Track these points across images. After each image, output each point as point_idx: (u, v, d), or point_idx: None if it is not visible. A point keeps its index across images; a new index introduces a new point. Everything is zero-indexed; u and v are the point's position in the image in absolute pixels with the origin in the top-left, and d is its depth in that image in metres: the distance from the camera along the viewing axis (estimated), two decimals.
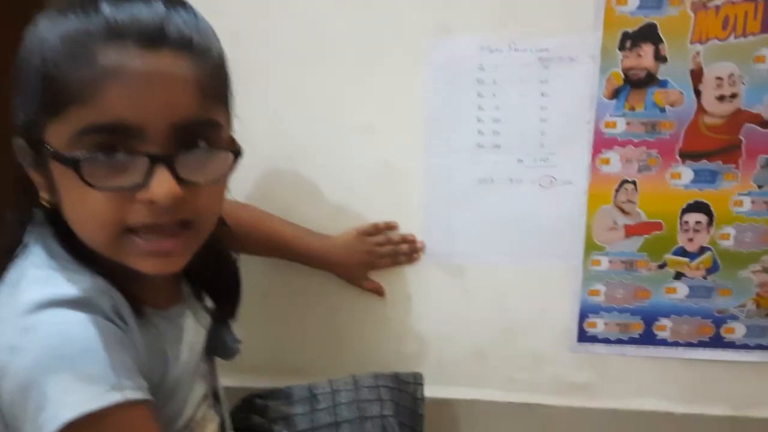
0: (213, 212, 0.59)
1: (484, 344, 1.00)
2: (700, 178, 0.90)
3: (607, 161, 0.91)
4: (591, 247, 0.94)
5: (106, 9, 0.51)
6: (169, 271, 0.58)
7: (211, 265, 0.72)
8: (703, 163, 0.90)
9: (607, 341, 0.97)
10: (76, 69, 0.50)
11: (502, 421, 1.01)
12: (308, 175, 0.97)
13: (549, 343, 0.99)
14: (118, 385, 0.50)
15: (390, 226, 0.97)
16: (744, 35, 0.86)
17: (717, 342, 0.96)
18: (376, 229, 0.97)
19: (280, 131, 0.96)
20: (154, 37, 0.51)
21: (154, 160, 0.52)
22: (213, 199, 0.58)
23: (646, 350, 0.97)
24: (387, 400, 0.84)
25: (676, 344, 0.96)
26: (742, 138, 0.89)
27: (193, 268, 0.70)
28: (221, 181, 0.58)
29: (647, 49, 0.88)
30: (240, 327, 0.78)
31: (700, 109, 0.88)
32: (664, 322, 0.96)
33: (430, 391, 0.90)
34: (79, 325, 0.51)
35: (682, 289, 0.94)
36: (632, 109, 0.90)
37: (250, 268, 0.93)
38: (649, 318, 0.96)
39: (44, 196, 0.56)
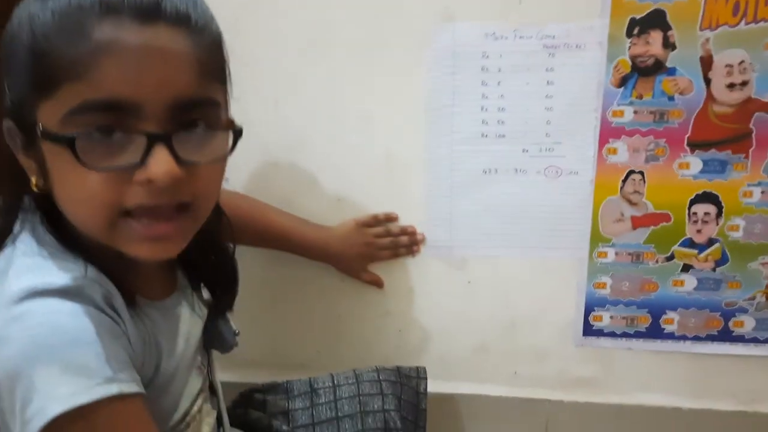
0: (211, 195, 0.57)
1: (488, 338, 0.98)
2: (709, 168, 0.88)
3: (614, 151, 0.89)
4: (597, 238, 0.93)
5: None
6: (165, 257, 0.56)
7: (207, 255, 0.70)
8: (713, 153, 0.88)
9: (612, 335, 0.96)
10: (69, 44, 0.48)
11: (506, 417, 1.00)
12: (308, 165, 0.95)
13: (553, 337, 0.97)
14: (109, 377, 0.48)
15: (390, 218, 0.95)
16: (755, 21, 0.83)
17: (725, 336, 0.94)
18: (376, 221, 0.95)
19: (280, 120, 0.94)
20: (150, 12, 0.49)
21: (153, 139, 0.50)
22: (212, 181, 0.56)
23: (653, 344, 0.95)
24: (389, 395, 0.82)
25: (683, 338, 0.95)
26: (752, 127, 0.87)
27: (190, 258, 0.69)
28: (220, 163, 0.56)
29: (655, 36, 0.86)
30: (239, 320, 0.76)
31: (710, 98, 0.86)
32: (672, 315, 0.94)
33: (433, 385, 0.88)
34: (68, 315, 0.49)
35: (690, 281, 0.93)
36: (640, 97, 0.87)
37: (250, 261, 0.92)
38: (656, 311, 0.94)
39: (35, 181, 0.54)
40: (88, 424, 0.48)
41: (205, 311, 0.71)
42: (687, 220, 0.90)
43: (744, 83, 0.85)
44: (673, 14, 0.84)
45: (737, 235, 0.90)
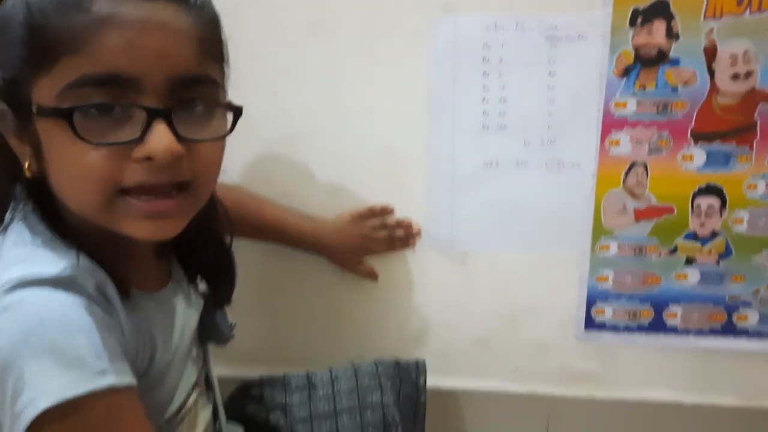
0: (211, 175, 0.56)
1: (488, 332, 0.97)
2: (712, 160, 0.87)
3: (616, 143, 0.88)
4: (599, 231, 0.91)
5: None
6: (164, 236, 0.54)
7: (204, 246, 0.69)
8: (716, 145, 0.87)
9: (615, 329, 0.95)
10: (67, 18, 0.47)
11: (506, 412, 0.99)
12: (307, 157, 0.94)
13: (555, 331, 0.96)
14: (101, 369, 0.47)
15: (385, 210, 0.94)
16: (760, 10, 0.82)
17: (729, 330, 0.93)
18: (372, 213, 0.94)
19: (279, 112, 0.93)
20: None
21: (152, 114, 0.49)
22: (211, 161, 0.55)
23: (656, 338, 0.94)
24: (388, 388, 0.81)
25: (686, 332, 0.93)
26: (756, 118, 0.85)
27: (186, 249, 0.68)
28: (219, 143, 0.56)
29: (659, 26, 0.84)
30: (236, 313, 0.76)
31: (714, 89, 0.85)
32: (675, 309, 0.93)
33: (432, 380, 0.88)
34: (60, 305, 0.48)
35: (693, 275, 0.92)
36: (643, 88, 0.86)
37: (247, 253, 0.92)
38: (659, 305, 0.93)
39: (28, 165, 0.53)
40: (80, 417, 0.47)
41: (201, 303, 0.71)
42: (690, 213, 0.89)
43: (748, 74, 0.84)
44: (677, 4, 0.83)
45: (741, 228, 0.89)
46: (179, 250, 0.69)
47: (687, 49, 0.84)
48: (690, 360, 0.95)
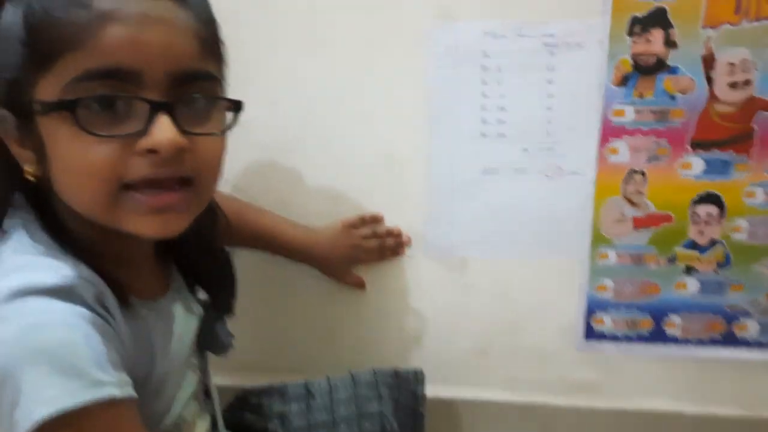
0: (213, 172, 0.56)
1: (487, 341, 0.97)
2: (711, 168, 0.87)
3: (615, 151, 0.88)
4: (598, 240, 0.91)
5: None
6: (169, 233, 0.54)
7: (203, 252, 0.69)
8: (715, 153, 0.87)
9: (614, 339, 0.94)
10: (69, 14, 0.48)
11: (505, 422, 0.98)
12: (306, 164, 0.94)
13: (554, 341, 0.95)
14: (99, 380, 0.47)
15: (375, 219, 0.94)
16: (757, 19, 0.83)
17: (729, 340, 0.92)
18: (362, 222, 0.93)
19: (277, 119, 0.92)
20: None
21: (155, 107, 0.49)
22: (213, 156, 0.55)
23: (656, 348, 0.94)
24: (386, 398, 0.80)
25: (686, 342, 0.93)
26: (755, 126, 0.86)
27: (185, 256, 0.68)
28: (221, 138, 0.56)
29: (657, 35, 0.85)
30: (233, 322, 0.75)
31: (712, 97, 0.85)
32: (674, 318, 0.93)
33: (431, 390, 0.87)
34: (58, 315, 0.47)
35: (692, 284, 0.91)
36: (641, 96, 0.86)
37: (244, 261, 0.90)
38: (659, 314, 0.93)
39: (29, 169, 0.53)
40: (78, 428, 0.46)
41: (200, 312, 0.70)
42: (689, 221, 0.89)
43: (746, 82, 0.84)
44: (675, 12, 0.84)
45: (740, 236, 0.89)
46: (178, 258, 0.68)
47: (685, 58, 0.85)
48: (690, 370, 0.94)
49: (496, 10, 0.87)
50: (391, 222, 0.95)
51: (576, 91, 0.88)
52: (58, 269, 0.50)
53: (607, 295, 0.93)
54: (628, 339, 0.94)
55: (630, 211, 0.90)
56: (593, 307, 0.94)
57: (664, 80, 0.86)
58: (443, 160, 0.92)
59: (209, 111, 0.54)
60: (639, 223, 0.90)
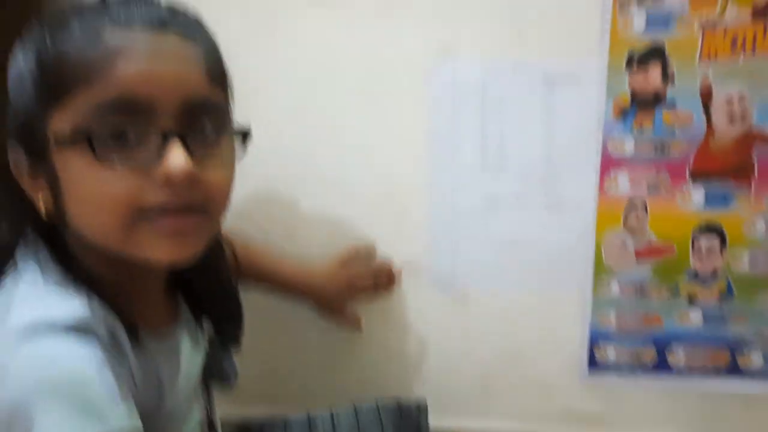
0: (224, 198, 0.57)
1: (490, 372, 0.97)
2: (711, 199, 0.88)
3: (615, 182, 0.89)
4: (601, 271, 0.92)
5: (112, 5, 0.52)
6: (183, 258, 0.55)
7: (210, 284, 0.70)
8: (715, 185, 0.88)
9: (618, 370, 0.94)
10: (83, 50, 0.50)
11: None
12: (309, 196, 0.95)
13: (558, 372, 0.95)
14: (112, 417, 0.47)
15: (369, 253, 0.94)
16: (754, 55, 0.84)
17: (733, 371, 0.92)
18: (356, 255, 0.94)
19: (281, 151, 0.94)
20: (159, 23, 0.52)
21: (167, 136, 0.51)
22: (223, 184, 0.56)
23: (660, 380, 0.93)
24: (389, 429, 0.80)
25: (690, 373, 0.93)
26: (754, 159, 0.86)
27: (193, 287, 0.69)
28: (231, 166, 0.57)
29: (654, 69, 0.86)
30: (235, 353, 0.75)
31: (710, 130, 0.86)
32: (678, 350, 0.92)
33: (434, 420, 0.87)
34: (71, 352, 0.48)
35: (695, 315, 0.91)
36: (640, 129, 0.88)
37: (246, 292, 0.91)
38: (662, 346, 0.93)
39: (44, 205, 0.54)
40: None
41: (206, 345, 0.70)
42: (691, 253, 0.89)
43: (744, 115, 0.85)
44: (672, 48, 0.85)
45: (743, 267, 0.89)
46: (186, 290, 0.69)
47: (683, 92, 0.86)
48: (695, 401, 0.93)
49: (495, 47, 0.89)
50: (392, 254, 0.95)
51: (575, 125, 0.89)
52: (71, 304, 0.51)
53: (611, 326, 0.93)
54: (631, 370, 0.94)
55: (632, 243, 0.90)
56: (597, 338, 0.94)
57: (663, 114, 0.87)
58: (444, 191, 0.93)
59: (218, 139, 0.56)
60: (641, 255, 0.91)
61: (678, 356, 0.92)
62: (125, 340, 0.54)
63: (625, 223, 0.90)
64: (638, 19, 0.86)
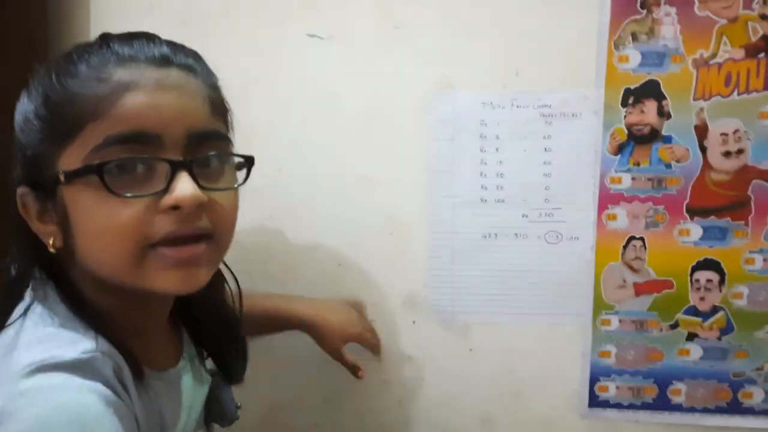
0: (230, 224, 0.58)
1: (491, 409, 0.95)
2: (709, 235, 0.88)
3: (613, 217, 0.90)
4: (600, 305, 0.91)
5: (115, 44, 0.54)
6: (193, 287, 0.55)
7: (213, 320, 0.70)
8: (712, 220, 0.88)
9: (619, 406, 0.93)
10: (91, 88, 0.51)
11: None
12: (309, 230, 0.95)
13: (559, 408, 0.94)
14: None
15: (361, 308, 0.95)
16: (747, 92, 0.86)
17: (735, 408, 0.91)
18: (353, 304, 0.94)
19: (282, 186, 0.94)
20: (162, 59, 0.54)
21: (175, 166, 0.52)
22: (229, 210, 0.57)
23: (661, 416, 0.92)
24: None
25: (691, 410, 0.91)
26: (750, 194, 0.87)
27: (196, 324, 0.68)
28: (235, 195, 0.59)
29: (650, 105, 0.87)
30: (237, 388, 0.74)
31: (707, 165, 0.87)
32: (679, 386, 0.91)
33: None
34: (75, 393, 0.48)
35: (695, 350, 0.91)
36: (637, 164, 0.88)
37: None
38: (663, 381, 0.92)
39: (53, 243, 0.54)
40: None
41: (209, 382, 0.69)
42: (690, 288, 0.89)
43: (740, 151, 0.87)
44: (667, 85, 0.87)
45: (741, 302, 0.89)
46: (189, 325, 0.69)
47: (679, 128, 0.87)
48: None
49: (493, 81, 0.90)
50: (392, 286, 0.95)
51: (573, 159, 0.90)
52: (78, 343, 0.51)
53: (611, 362, 0.92)
54: (632, 407, 0.93)
55: (631, 277, 0.90)
56: (597, 374, 0.93)
57: (659, 149, 0.88)
58: (443, 224, 0.93)
59: (222, 168, 0.57)
60: (640, 289, 0.90)
61: (679, 392, 0.91)
62: (129, 378, 0.54)
63: (623, 258, 0.90)
64: (633, 57, 0.87)
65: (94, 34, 0.59)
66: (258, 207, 0.93)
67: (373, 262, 0.94)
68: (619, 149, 0.89)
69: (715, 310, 0.89)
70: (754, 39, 0.85)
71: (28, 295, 0.56)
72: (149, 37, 0.56)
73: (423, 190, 0.92)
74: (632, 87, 0.87)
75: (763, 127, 0.86)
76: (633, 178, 0.89)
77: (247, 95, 0.90)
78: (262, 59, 0.94)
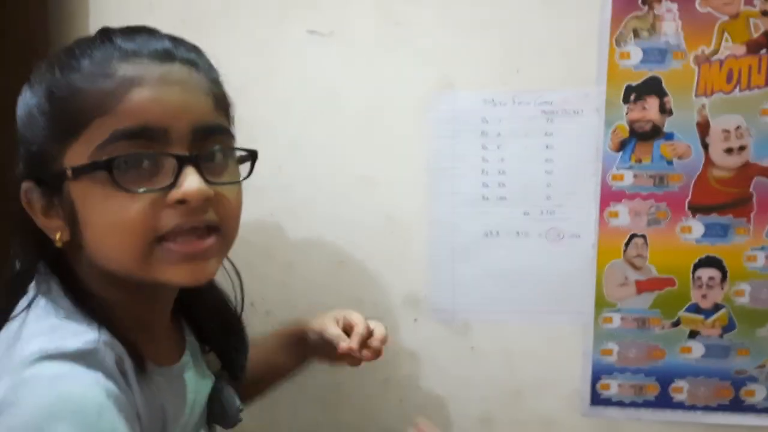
0: (235, 217, 0.59)
1: (492, 408, 0.95)
2: (711, 232, 0.88)
3: (615, 214, 0.89)
4: (602, 303, 0.91)
5: (118, 39, 0.54)
6: (202, 279, 0.56)
7: (215, 317, 0.70)
8: (714, 217, 0.88)
9: (621, 404, 0.92)
10: (95, 83, 0.52)
11: None
12: (310, 228, 0.95)
13: (560, 407, 0.94)
14: None
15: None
16: (749, 88, 0.85)
17: (737, 406, 0.90)
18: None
19: (283, 185, 0.94)
20: (165, 55, 0.54)
21: (182, 160, 0.53)
22: (235, 203, 0.58)
23: (663, 414, 0.92)
24: None
25: (693, 408, 0.91)
26: (752, 191, 0.87)
27: (198, 321, 0.70)
28: (239, 188, 0.59)
29: (652, 102, 0.87)
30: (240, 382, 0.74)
31: (708, 162, 0.87)
32: (681, 383, 0.91)
33: None
34: (76, 382, 0.48)
35: (697, 348, 0.90)
36: (639, 161, 0.88)
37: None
38: (665, 379, 0.91)
39: (59, 237, 0.54)
40: None
41: (212, 379, 0.69)
42: (692, 285, 0.89)
43: (741, 148, 0.86)
44: (668, 81, 0.86)
45: (743, 300, 0.89)
46: (191, 322, 0.70)
47: (680, 124, 0.87)
48: None
49: (494, 79, 0.90)
50: (393, 285, 0.95)
51: (574, 156, 0.90)
52: (80, 334, 0.51)
53: (612, 360, 0.92)
54: (634, 405, 0.92)
55: (633, 275, 0.90)
56: (599, 372, 0.92)
57: (661, 146, 0.88)
58: (445, 222, 0.93)
59: (227, 162, 0.58)
60: (642, 287, 0.90)
61: (681, 390, 0.91)
62: (132, 371, 0.54)
63: (625, 256, 0.90)
64: (635, 53, 0.87)
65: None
66: (258, 206, 0.93)
67: (373, 260, 0.94)
68: (621, 146, 0.88)
69: (717, 307, 0.89)
70: (755, 35, 0.84)
71: (31, 289, 0.56)
72: (150, 32, 0.56)
73: (424, 188, 0.92)
74: (634, 84, 0.87)
75: (764, 124, 0.85)
76: (635, 176, 0.89)
77: (247, 94, 0.89)
78: (262, 59, 0.93)
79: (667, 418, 0.92)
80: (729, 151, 0.86)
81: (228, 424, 0.71)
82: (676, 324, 0.90)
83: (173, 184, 0.52)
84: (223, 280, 0.74)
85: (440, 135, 0.92)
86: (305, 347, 0.83)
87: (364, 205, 0.94)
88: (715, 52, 0.85)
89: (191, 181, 0.52)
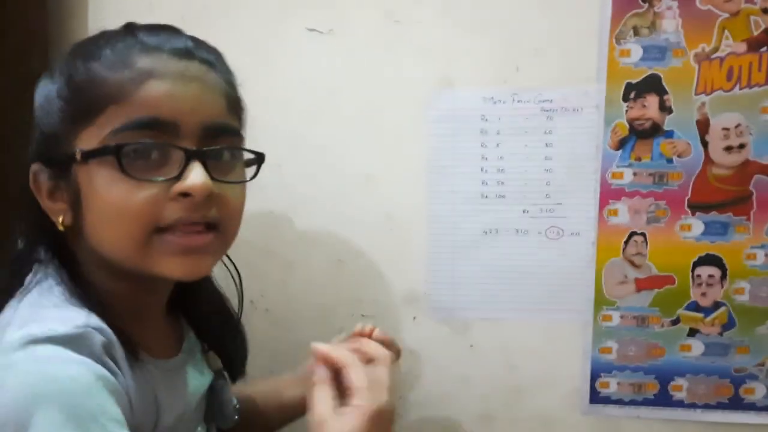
0: (237, 217, 0.60)
1: (491, 406, 0.95)
2: (710, 230, 0.88)
3: (614, 212, 0.89)
4: (601, 301, 0.91)
5: (141, 33, 0.56)
6: (197, 274, 0.57)
7: (213, 313, 0.71)
8: (714, 215, 0.88)
9: (620, 402, 0.92)
10: (114, 72, 0.53)
11: None
12: (309, 226, 0.95)
13: (559, 405, 0.94)
14: (100, 428, 0.46)
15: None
16: (749, 86, 0.85)
17: (736, 404, 0.90)
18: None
19: (283, 182, 0.94)
20: (185, 52, 0.56)
21: (189, 155, 0.54)
22: (237, 203, 0.59)
23: (662, 412, 0.92)
24: None
25: (693, 406, 0.91)
26: (752, 189, 0.87)
27: (197, 317, 0.70)
28: (243, 190, 0.60)
29: (652, 100, 0.87)
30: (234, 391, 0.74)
31: (708, 160, 0.87)
32: (680, 381, 0.91)
33: None
34: (63, 363, 0.48)
35: (697, 346, 0.90)
36: (639, 159, 0.88)
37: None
38: (664, 377, 0.91)
39: (62, 221, 0.55)
40: None
41: (210, 377, 0.70)
42: (691, 283, 0.89)
43: (741, 146, 0.86)
44: (668, 79, 0.86)
45: (743, 298, 0.89)
46: (190, 319, 0.70)
47: (680, 122, 0.87)
48: None
49: (494, 77, 0.90)
50: (392, 283, 0.95)
51: (574, 154, 0.89)
52: (69, 319, 0.52)
53: (612, 358, 0.92)
54: (634, 403, 0.92)
55: (632, 273, 0.90)
56: (598, 370, 0.92)
57: (661, 144, 0.87)
58: (444, 220, 0.93)
59: (233, 163, 0.59)
60: (641, 285, 0.90)
61: (681, 388, 0.91)
62: (122, 357, 0.54)
63: (625, 253, 0.90)
64: (635, 51, 0.87)
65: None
66: (258, 204, 0.93)
67: (373, 258, 0.94)
68: (621, 144, 0.88)
69: (716, 305, 0.89)
70: (756, 33, 0.84)
71: (30, 274, 0.57)
72: (174, 30, 0.58)
73: (423, 186, 0.92)
74: (633, 81, 0.87)
75: (764, 122, 0.85)
76: (634, 174, 0.89)
77: (246, 92, 0.90)
78: (261, 57, 0.93)
79: (666, 416, 0.92)
80: (729, 149, 0.86)
81: (224, 423, 0.71)
82: (676, 322, 0.90)
83: (178, 177, 0.53)
84: (222, 278, 0.75)
85: (440, 133, 0.92)
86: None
87: (363, 204, 0.94)
88: (716, 49, 0.85)
89: (196, 175, 0.53)
